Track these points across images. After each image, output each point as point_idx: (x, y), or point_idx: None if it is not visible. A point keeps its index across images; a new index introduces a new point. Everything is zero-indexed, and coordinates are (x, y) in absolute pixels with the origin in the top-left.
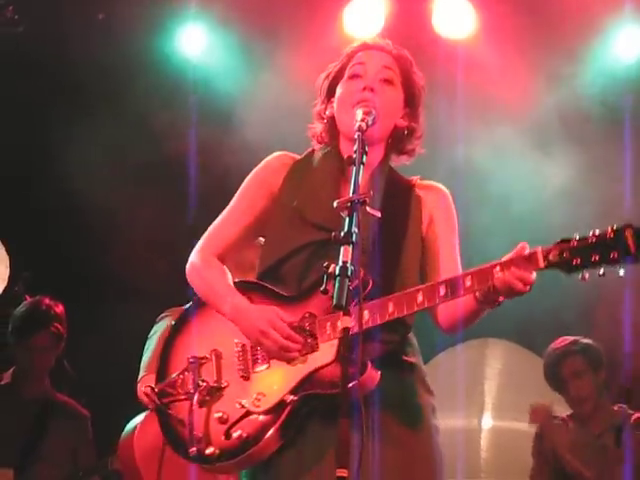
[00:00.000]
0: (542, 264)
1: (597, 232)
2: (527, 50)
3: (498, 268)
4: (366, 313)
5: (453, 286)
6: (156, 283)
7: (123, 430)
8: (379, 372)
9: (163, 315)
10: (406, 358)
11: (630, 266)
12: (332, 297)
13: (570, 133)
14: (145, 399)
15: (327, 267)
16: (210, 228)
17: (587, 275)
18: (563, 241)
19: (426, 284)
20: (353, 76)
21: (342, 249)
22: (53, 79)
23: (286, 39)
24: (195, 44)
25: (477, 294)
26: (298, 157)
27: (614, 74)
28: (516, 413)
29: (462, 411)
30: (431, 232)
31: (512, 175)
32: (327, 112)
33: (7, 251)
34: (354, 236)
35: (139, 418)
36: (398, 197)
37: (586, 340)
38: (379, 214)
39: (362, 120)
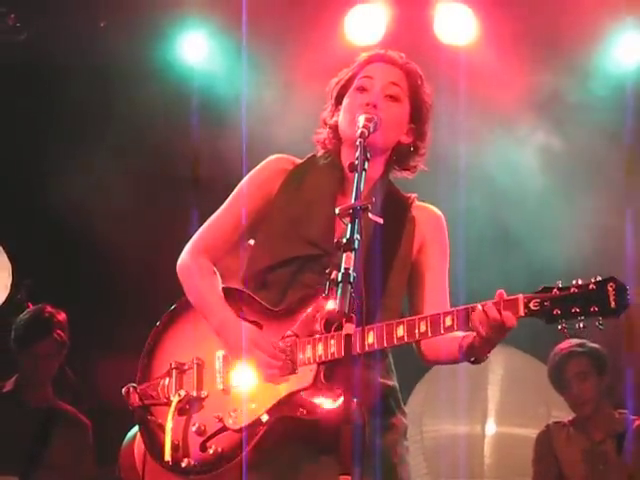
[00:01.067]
0: (522, 312)
1: (580, 283)
2: (528, 56)
3: (480, 308)
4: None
5: (433, 324)
6: (159, 290)
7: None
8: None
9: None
10: (385, 381)
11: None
12: (335, 303)
13: (571, 139)
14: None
15: (329, 273)
16: (204, 226)
17: (566, 327)
18: (545, 289)
19: (407, 318)
20: (359, 89)
21: (344, 256)
22: (54, 86)
23: (288, 46)
24: (197, 51)
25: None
26: (298, 161)
27: (615, 80)
28: (519, 419)
29: (465, 417)
30: (422, 257)
31: (513, 180)
32: (332, 120)
33: (9, 258)
34: (356, 242)
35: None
36: (394, 214)
37: (592, 343)
38: (381, 220)
39: (364, 127)
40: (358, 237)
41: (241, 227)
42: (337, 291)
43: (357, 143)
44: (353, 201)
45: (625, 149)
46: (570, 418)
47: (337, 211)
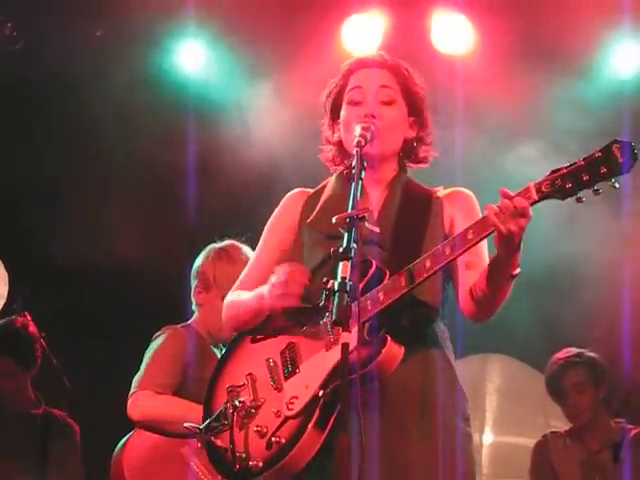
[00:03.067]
0: (536, 196)
1: (586, 155)
2: (525, 66)
3: (495, 208)
4: (381, 295)
5: (458, 241)
6: (155, 300)
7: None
8: (402, 348)
9: (159, 333)
10: (430, 348)
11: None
12: (332, 312)
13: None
14: (137, 414)
15: (326, 283)
16: (241, 275)
17: (582, 197)
18: (553, 172)
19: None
20: (352, 102)
21: (341, 265)
22: (50, 95)
23: (285, 55)
24: (193, 60)
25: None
26: (312, 190)
27: (612, 90)
28: (517, 428)
29: None
30: (454, 230)
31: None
32: (335, 137)
33: (6, 268)
34: (353, 252)
35: (129, 435)
36: (415, 207)
37: (590, 353)
38: (378, 229)
39: (360, 136)
40: (355, 246)
41: (273, 265)
42: (334, 300)
43: (354, 152)
44: (350, 210)
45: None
46: (567, 428)
47: (334, 220)
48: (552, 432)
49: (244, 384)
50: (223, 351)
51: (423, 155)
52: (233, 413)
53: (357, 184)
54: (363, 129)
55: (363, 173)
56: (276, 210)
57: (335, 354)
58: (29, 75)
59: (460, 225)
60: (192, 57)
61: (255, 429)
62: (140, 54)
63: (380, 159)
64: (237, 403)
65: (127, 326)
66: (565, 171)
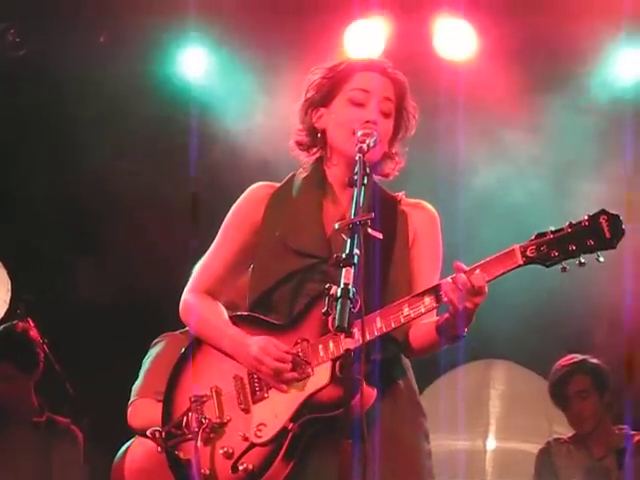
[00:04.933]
0: (521, 260)
1: (573, 222)
2: (527, 72)
3: (451, 284)
4: (355, 331)
5: (413, 304)
6: (155, 306)
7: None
8: (375, 390)
9: (158, 340)
10: (398, 380)
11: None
12: (334, 319)
13: (570, 154)
14: (137, 422)
15: (328, 289)
16: (198, 266)
17: (567, 266)
18: (539, 235)
19: (387, 306)
20: (355, 103)
21: (343, 271)
22: (53, 101)
23: (287, 61)
24: (196, 67)
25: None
26: (278, 185)
27: (613, 95)
28: (521, 434)
29: (466, 432)
30: (413, 251)
31: (513, 194)
32: (318, 125)
33: (9, 274)
34: (356, 258)
35: (129, 443)
36: (384, 214)
37: (594, 360)
38: (380, 235)
39: (363, 142)
40: (357, 252)
41: (234, 261)
42: (336, 306)
43: (357, 158)
44: (352, 216)
45: (625, 164)
46: (570, 434)
47: (336, 227)
48: (555, 439)
49: (208, 396)
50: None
51: (388, 172)
52: (198, 428)
53: (360, 190)
54: (365, 135)
55: (366, 179)
56: (239, 203)
57: (308, 386)
58: (31, 81)
59: (420, 249)
60: (194, 63)
61: (221, 450)
62: (142, 60)
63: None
64: (203, 420)
65: (128, 332)
66: (552, 237)
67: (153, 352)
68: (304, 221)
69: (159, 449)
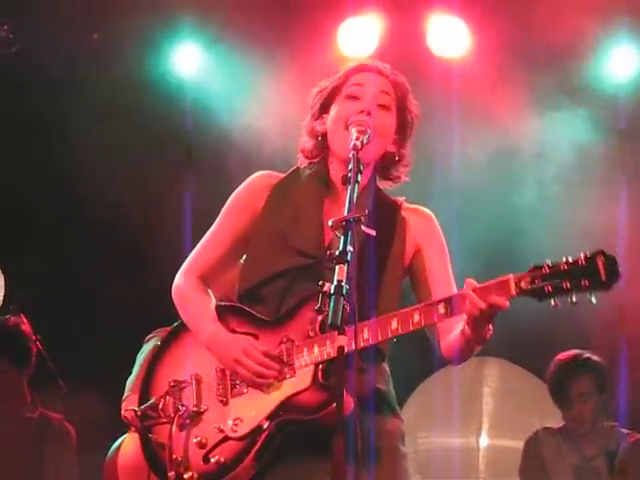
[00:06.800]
0: (514, 291)
1: (569, 259)
2: (521, 68)
3: (472, 294)
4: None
5: (427, 313)
6: (150, 305)
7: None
8: (352, 399)
9: (151, 335)
10: (378, 386)
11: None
12: (327, 316)
13: (565, 151)
14: (128, 420)
15: (322, 286)
16: (195, 249)
17: (559, 303)
18: (535, 268)
19: (401, 310)
20: (350, 97)
21: (337, 268)
22: (46, 98)
23: (281, 58)
24: (189, 63)
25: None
26: (281, 176)
27: (608, 92)
28: (513, 431)
29: (459, 430)
30: (421, 263)
31: (505, 192)
32: (319, 128)
33: (2, 270)
34: (349, 255)
35: (121, 439)
36: (384, 218)
37: (595, 358)
38: (374, 232)
39: (357, 139)
40: (351, 249)
41: (231, 247)
42: (330, 304)
43: (350, 155)
44: (346, 213)
45: (619, 160)
46: (560, 425)
47: (330, 223)
48: (544, 428)
49: (187, 383)
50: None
51: (397, 175)
52: (174, 414)
53: (353, 187)
54: (359, 132)
55: (359, 177)
56: (240, 190)
57: (287, 387)
58: (24, 77)
59: (427, 256)
60: (188, 60)
61: (195, 439)
62: (136, 57)
63: (364, 162)
64: (180, 406)
65: (122, 328)
66: (547, 271)
67: (147, 348)
68: (306, 219)
69: (132, 428)
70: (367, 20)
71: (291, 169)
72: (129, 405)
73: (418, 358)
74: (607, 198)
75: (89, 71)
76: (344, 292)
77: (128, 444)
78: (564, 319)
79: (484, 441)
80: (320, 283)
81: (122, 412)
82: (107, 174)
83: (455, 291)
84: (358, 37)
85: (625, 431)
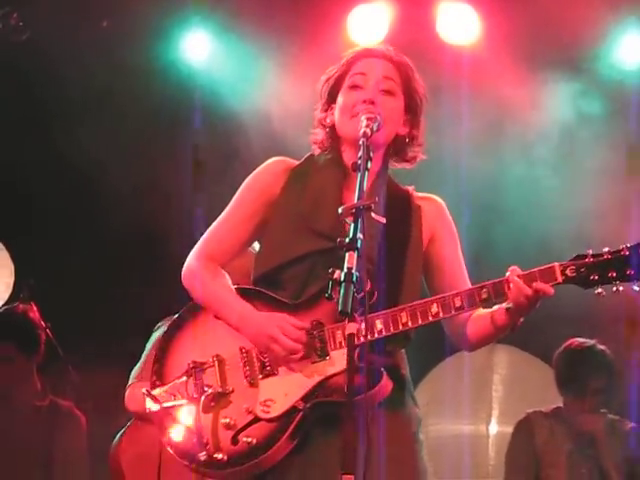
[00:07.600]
0: (560, 279)
1: (610, 250)
2: (530, 56)
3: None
4: (378, 322)
5: (469, 297)
6: (158, 291)
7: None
8: (391, 384)
9: (160, 324)
10: (402, 371)
11: None
12: (337, 303)
13: (573, 139)
14: (134, 406)
15: (332, 273)
16: (208, 232)
17: (603, 291)
18: (578, 257)
19: (441, 295)
20: (353, 87)
21: (347, 255)
22: (56, 86)
23: (291, 45)
24: (199, 50)
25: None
26: (296, 162)
27: (617, 80)
28: None
29: (469, 417)
30: (436, 250)
31: (515, 182)
32: (328, 120)
33: (12, 258)
34: (359, 242)
35: (126, 427)
36: (398, 205)
37: (610, 354)
38: (384, 220)
39: (367, 126)
40: (361, 236)
41: (245, 232)
42: (340, 291)
43: (360, 143)
44: (356, 200)
45: (627, 148)
46: (552, 407)
47: (340, 211)
48: (535, 411)
49: (209, 364)
50: (180, 313)
51: (412, 155)
52: (199, 394)
53: (363, 174)
54: (369, 119)
55: (369, 164)
56: (255, 175)
57: (323, 369)
58: (32, 65)
59: (442, 246)
60: (198, 48)
61: (223, 420)
62: (146, 45)
63: (374, 148)
64: (205, 388)
65: (134, 315)
66: (592, 261)
67: (154, 336)
68: (326, 204)
69: (151, 408)
70: (377, 7)
71: (305, 156)
72: (134, 392)
73: (429, 345)
74: (616, 184)
75: (99, 58)
76: (354, 279)
77: (132, 432)
78: (571, 306)
79: (494, 428)
80: (330, 270)
81: (125, 400)
82: (118, 162)
83: (467, 281)
84: (368, 24)
85: (612, 416)
